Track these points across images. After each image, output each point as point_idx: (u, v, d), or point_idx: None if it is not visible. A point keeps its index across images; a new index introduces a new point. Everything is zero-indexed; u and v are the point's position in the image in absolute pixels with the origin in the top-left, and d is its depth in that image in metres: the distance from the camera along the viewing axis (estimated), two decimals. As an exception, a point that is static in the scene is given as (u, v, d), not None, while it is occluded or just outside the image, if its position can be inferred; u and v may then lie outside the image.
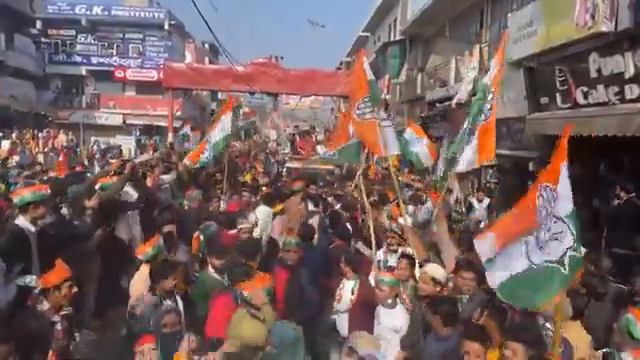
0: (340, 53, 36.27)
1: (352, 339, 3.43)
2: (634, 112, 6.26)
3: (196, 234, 5.20)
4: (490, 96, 5.17)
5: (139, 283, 4.13)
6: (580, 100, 7.50)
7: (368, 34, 27.50)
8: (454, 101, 11.90)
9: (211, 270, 4.42)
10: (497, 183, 10.83)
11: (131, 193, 5.61)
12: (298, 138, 16.38)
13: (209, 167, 9.32)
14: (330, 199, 8.81)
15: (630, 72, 6.45)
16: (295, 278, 4.54)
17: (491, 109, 5.16)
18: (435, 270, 4.17)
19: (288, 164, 14.60)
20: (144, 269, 4.21)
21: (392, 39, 21.26)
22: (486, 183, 11.38)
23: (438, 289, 4.01)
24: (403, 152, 7.70)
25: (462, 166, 5.42)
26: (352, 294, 4.47)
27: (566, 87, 7.74)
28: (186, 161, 8.44)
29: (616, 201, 6.84)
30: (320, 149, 15.03)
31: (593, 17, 6.53)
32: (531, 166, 9.84)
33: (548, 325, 3.41)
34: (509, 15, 9.86)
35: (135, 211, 5.62)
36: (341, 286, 4.60)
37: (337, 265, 4.76)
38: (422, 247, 4.92)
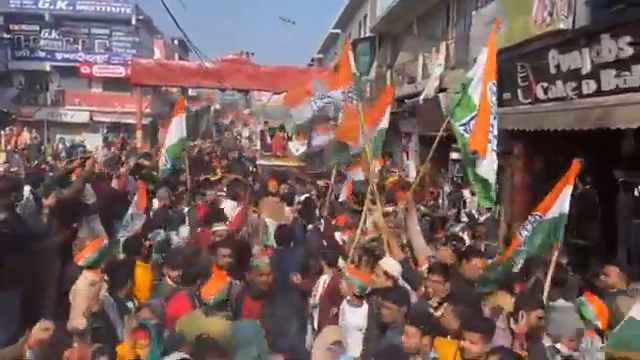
0: (311, 50, 36.26)
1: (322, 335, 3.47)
2: (590, 107, 6.47)
3: (147, 243, 5.16)
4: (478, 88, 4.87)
5: (81, 293, 3.83)
6: (540, 95, 7.71)
7: (339, 31, 27.55)
8: (421, 97, 12.06)
9: (169, 281, 4.39)
10: (462, 177, 11.03)
11: (90, 192, 5.50)
12: (268, 135, 16.34)
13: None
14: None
15: (587, 68, 6.66)
16: (270, 312, 3.98)
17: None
18: (388, 264, 4.19)
19: (259, 161, 14.57)
20: (87, 277, 3.92)
21: (362, 36, 21.36)
22: (453, 177, 11.59)
23: (390, 283, 4.03)
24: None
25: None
26: (322, 289, 4.50)
27: (527, 83, 7.93)
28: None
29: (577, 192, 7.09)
30: (292, 146, 15.02)
31: (551, 14, 6.71)
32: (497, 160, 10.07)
33: (558, 346, 3.46)
34: (473, 13, 10.03)
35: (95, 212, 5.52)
36: (318, 281, 4.63)
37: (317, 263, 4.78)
38: (398, 247, 4.86)
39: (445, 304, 3.77)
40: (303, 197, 8.38)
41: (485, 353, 3.00)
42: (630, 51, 5.84)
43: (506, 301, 3.93)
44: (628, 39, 5.85)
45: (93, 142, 18.79)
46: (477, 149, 4.72)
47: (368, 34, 20.33)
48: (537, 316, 3.42)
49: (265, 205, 6.91)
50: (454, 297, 3.80)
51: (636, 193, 6.80)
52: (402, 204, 5.83)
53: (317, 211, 7.46)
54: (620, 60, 6.04)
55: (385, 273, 4.06)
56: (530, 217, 4.03)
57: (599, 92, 6.47)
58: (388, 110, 6.49)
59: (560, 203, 3.85)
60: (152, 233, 5.49)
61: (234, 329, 3.41)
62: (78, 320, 3.59)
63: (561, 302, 3.85)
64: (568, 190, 3.87)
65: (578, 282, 5.06)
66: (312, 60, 34.83)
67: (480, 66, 4.89)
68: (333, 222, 6.61)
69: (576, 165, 3.96)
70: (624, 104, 5.88)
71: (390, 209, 6.35)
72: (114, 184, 6.97)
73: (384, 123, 6.30)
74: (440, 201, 10.84)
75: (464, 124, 4.99)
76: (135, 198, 5.60)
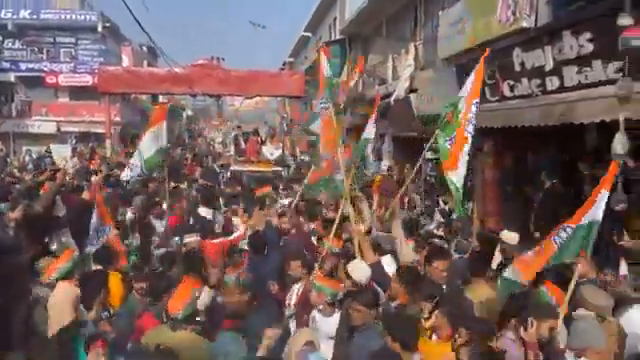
0: (283, 53, 36.25)
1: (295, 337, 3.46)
2: (554, 103, 6.64)
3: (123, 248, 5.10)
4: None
5: (59, 306, 3.75)
6: (507, 93, 7.88)
7: (309, 34, 27.63)
8: (392, 98, 12.18)
9: (136, 295, 4.34)
10: (435, 176, 11.18)
11: (60, 206, 5.39)
12: (242, 140, 16.23)
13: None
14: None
15: (550, 65, 6.84)
16: (249, 324, 3.84)
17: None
18: (355, 268, 4.16)
19: (233, 167, 14.43)
20: (63, 288, 3.87)
21: (332, 39, 21.47)
22: (426, 177, 11.72)
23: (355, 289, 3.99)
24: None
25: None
26: (296, 297, 4.42)
27: (494, 81, 8.10)
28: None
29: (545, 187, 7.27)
30: (266, 150, 14.95)
31: (514, 14, 6.87)
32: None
33: None
34: (440, 13, 10.19)
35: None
36: (291, 291, 4.51)
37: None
38: (371, 252, 4.79)
39: (436, 312, 3.74)
40: (286, 201, 8.34)
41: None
42: (590, 47, 6.03)
43: (483, 291, 4.02)
44: (588, 36, 6.04)
45: (61, 153, 18.32)
46: (449, 167, 5.18)
47: (338, 37, 20.45)
48: (550, 327, 3.26)
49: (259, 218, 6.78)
50: (443, 303, 3.71)
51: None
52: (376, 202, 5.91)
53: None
54: (581, 56, 6.23)
55: (348, 276, 4.08)
56: (564, 228, 3.89)
57: (562, 88, 6.66)
58: (372, 120, 6.61)
59: (594, 210, 3.74)
60: (128, 240, 5.42)
61: (214, 342, 3.39)
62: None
63: (582, 311, 3.61)
64: (604, 196, 3.74)
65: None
66: (284, 64, 34.82)
67: (468, 85, 5.27)
68: (313, 227, 6.61)
69: (614, 167, 3.88)
70: (586, 99, 6.06)
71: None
72: (85, 195, 6.83)
73: (368, 133, 6.59)
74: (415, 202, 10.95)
75: (450, 139, 5.31)
76: (96, 213, 5.37)
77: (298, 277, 4.58)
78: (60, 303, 3.78)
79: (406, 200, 10.29)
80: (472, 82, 5.28)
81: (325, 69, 5.98)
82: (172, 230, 6.28)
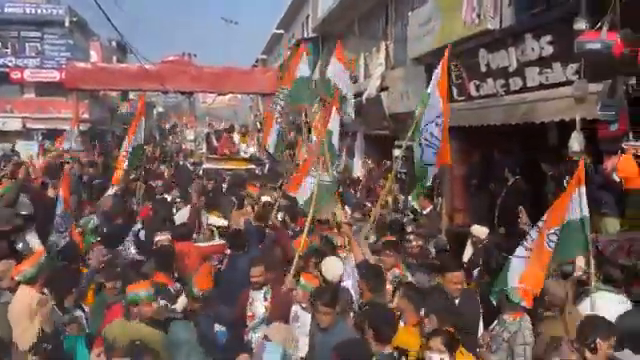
0: (256, 50, 36.06)
1: (267, 330, 3.52)
2: (517, 102, 6.89)
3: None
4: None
5: (21, 309, 3.70)
6: (473, 93, 8.11)
7: (282, 31, 27.60)
8: (364, 96, 12.33)
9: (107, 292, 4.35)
10: (406, 173, 11.38)
11: (26, 203, 5.32)
12: (214, 137, 16.10)
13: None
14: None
15: (513, 66, 7.08)
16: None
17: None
18: (327, 267, 4.23)
19: (205, 165, 14.30)
20: (25, 292, 3.83)
21: (305, 36, 21.52)
22: (397, 174, 11.89)
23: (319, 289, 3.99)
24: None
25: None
26: (265, 301, 4.27)
27: (461, 81, 8.33)
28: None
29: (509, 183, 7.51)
30: (241, 148, 14.89)
31: (479, 16, 7.08)
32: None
33: None
34: (409, 13, 10.37)
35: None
36: (250, 300, 4.31)
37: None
38: (360, 250, 4.78)
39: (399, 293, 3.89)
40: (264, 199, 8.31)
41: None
42: (550, 50, 6.28)
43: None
44: (548, 38, 6.29)
45: (28, 150, 17.86)
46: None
47: (311, 34, 20.51)
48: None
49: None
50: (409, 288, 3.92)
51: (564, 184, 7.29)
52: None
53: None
54: (542, 58, 6.48)
55: (321, 274, 4.16)
56: (552, 232, 3.95)
57: (525, 88, 6.91)
58: (334, 112, 6.82)
59: (575, 207, 3.88)
60: (83, 219, 5.41)
61: (169, 331, 3.46)
62: (22, 340, 3.45)
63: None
64: (582, 191, 3.87)
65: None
66: (256, 61, 34.67)
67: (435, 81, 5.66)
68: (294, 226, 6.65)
69: (582, 164, 4.04)
70: (546, 99, 6.31)
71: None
72: (51, 193, 6.76)
73: (331, 125, 6.82)
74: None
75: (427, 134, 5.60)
76: (60, 196, 5.38)
77: (261, 283, 4.37)
78: (18, 310, 3.70)
79: (390, 199, 10.22)
80: (438, 78, 5.61)
81: (300, 68, 6.08)
82: (145, 226, 6.25)
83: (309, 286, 4.02)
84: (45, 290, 4.04)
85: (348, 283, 4.37)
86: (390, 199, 9.77)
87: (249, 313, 4.28)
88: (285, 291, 4.26)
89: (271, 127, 7.84)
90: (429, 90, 5.69)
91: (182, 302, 4.19)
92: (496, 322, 4.06)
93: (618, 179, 5.11)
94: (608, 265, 4.51)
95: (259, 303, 4.26)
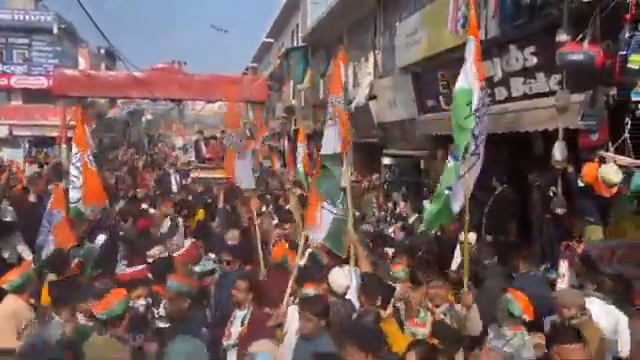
0: (245, 58, 36.14)
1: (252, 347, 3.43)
2: (502, 112, 6.98)
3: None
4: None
5: (3, 318, 3.66)
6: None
7: (272, 40, 27.71)
8: (353, 105, 12.41)
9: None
10: (390, 182, 11.46)
11: (8, 210, 5.28)
12: (203, 144, 16.04)
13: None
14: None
15: (498, 76, 7.19)
16: None
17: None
18: (334, 277, 4.11)
19: (193, 174, 14.20)
20: (10, 301, 3.78)
21: (295, 45, 21.63)
22: (384, 182, 11.96)
23: (333, 298, 3.96)
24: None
25: None
26: (242, 326, 3.99)
27: (447, 90, 8.42)
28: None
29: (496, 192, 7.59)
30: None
31: (464, 27, 7.18)
32: (422, 164, 10.57)
33: None
34: (397, 24, 10.50)
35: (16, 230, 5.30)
36: (231, 318, 4.09)
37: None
38: (367, 260, 4.69)
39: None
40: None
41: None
42: (534, 60, 6.40)
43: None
44: (532, 49, 6.40)
45: (14, 157, 17.68)
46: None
47: (301, 44, 20.63)
48: None
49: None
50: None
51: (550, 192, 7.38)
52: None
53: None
54: (526, 69, 6.59)
55: (329, 287, 4.02)
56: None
57: (509, 98, 7.01)
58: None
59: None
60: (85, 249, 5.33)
61: (176, 350, 3.39)
62: None
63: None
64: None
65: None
66: (246, 69, 34.74)
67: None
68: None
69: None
70: (530, 109, 6.41)
71: None
72: (32, 198, 6.75)
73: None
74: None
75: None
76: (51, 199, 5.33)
77: (240, 301, 4.06)
78: (2, 319, 3.66)
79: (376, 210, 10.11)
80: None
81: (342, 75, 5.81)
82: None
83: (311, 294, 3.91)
84: (32, 300, 4.01)
85: (353, 295, 4.22)
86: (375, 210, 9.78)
87: (226, 331, 4.07)
88: (263, 320, 3.96)
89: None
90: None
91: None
92: (492, 335, 3.91)
93: (583, 184, 5.21)
94: (596, 273, 4.55)
95: (237, 325, 4.02)
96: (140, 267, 4.81)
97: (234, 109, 8.31)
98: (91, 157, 6.39)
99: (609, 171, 4.93)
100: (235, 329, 3.99)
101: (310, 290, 3.93)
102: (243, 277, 4.25)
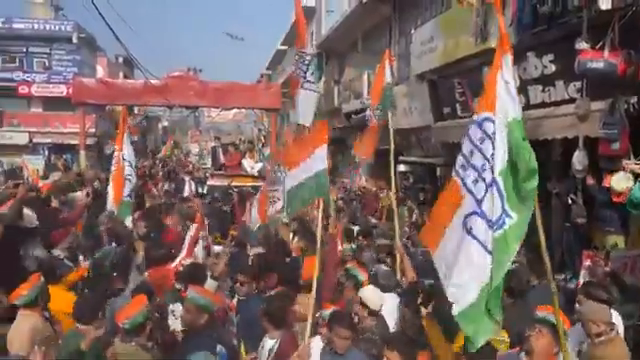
0: (260, 66, 36.45)
1: None
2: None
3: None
4: None
5: (22, 335, 3.55)
6: (476, 110, 8.17)
7: (287, 47, 27.90)
8: (367, 112, 12.40)
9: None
10: (407, 188, 11.41)
11: (31, 216, 5.36)
12: (221, 152, 16.10)
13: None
14: None
15: (516, 84, 7.14)
16: None
17: None
18: (369, 294, 3.98)
19: (210, 182, 14.20)
20: (25, 317, 3.69)
21: (310, 52, 21.72)
22: (403, 188, 11.92)
23: (369, 318, 3.86)
24: None
25: None
26: (268, 356, 3.73)
27: (464, 98, 8.40)
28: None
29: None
30: (246, 163, 14.84)
31: (482, 34, 7.18)
32: (438, 171, 10.53)
33: None
34: (412, 31, 10.50)
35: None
36: (261, 345, 3.83)
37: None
38: (412, 270, 4.62)
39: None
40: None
41: None
42: (553, 68, 6.36)
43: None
44: (551, 57, 6.37)
45: (34, 164, 18.03)
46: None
47: (315, 51, 20.74)
48: None
49: None
50: None
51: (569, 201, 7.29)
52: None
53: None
54: (545, 76, 6.55)
55: (363, 304, 3.89)
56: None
57: (528, 106, 6.97)
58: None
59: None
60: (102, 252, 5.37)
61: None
62: None
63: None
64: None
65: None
66: (261, 76, 35.02)
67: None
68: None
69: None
70: (549, 117, 6.37)
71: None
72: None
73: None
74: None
75: None
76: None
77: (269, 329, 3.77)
78: (19, 339, 3.56)
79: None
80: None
81: (386, 74, 5.68)
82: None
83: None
84: (46, 313, 3.92)
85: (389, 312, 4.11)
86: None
87: (253, 355, 3.85)
88: (292, 347, 3.71)
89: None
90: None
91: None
92: None
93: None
94: (618, 283, 4.46)
95: (265, 353, 3.77)
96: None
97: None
98: (125, 157, 6.93)
99: (619, 177, 4.88)
100: (262, 357, 3.78)
101: (329, 311, 3.70)
102: (267, 310, 3.87)
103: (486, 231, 2.58)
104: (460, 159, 2.80)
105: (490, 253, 2.55)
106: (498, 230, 2.55)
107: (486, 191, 2.61)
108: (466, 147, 2.81)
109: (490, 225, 2.57)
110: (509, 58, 2.78)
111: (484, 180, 2.63)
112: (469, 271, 2.59)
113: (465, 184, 2.71)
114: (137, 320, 3.44)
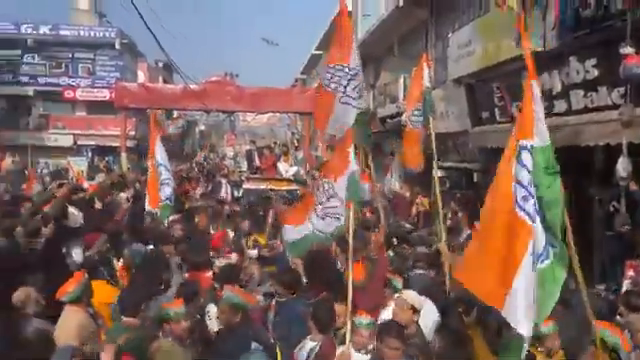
0: (295, 70, 36.74)
1: None
2: (561, 125, 6.80)
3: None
4: None
5: (69, 331, 3.68)
6: (515, 114, 8.04)
7: (322, 52, 28.04)
8: (404, 116, 12.35)
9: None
10: (444, 194, 11.25)
11: (77, 215, 5.60)
12: (256, 155, 16.28)
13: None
14: None
15: (557, 89, 7.02)
16: None
17: None
18: (412, 294, 3.91)
19: (245, 185, 14.36)
20: (71, 313, 3.84)
21: (354, 67, 21.74)
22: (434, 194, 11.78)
23: (415, 318, 3.79)
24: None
25: None
26: (307, 357, 3.67)
27: (503, 103, 8.29)
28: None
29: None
30: (281, 166, 14.98)
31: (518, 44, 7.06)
32: (475, 177, 10.40)
33: None
34: (449, 35, 10.43)
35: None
36: (300, 345, 3.79)
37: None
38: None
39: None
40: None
41: None
42: (595, 73, 6.22)
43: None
44: (593, 62, 6.23)
45: (78, 166, 18.76)
46: None
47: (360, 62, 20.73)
48: None
49: None
50: None
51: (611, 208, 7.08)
52: None
53: None
54: (587, 81, 6.41)
55: (411, 307, 3.77)
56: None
57: (569, 111, 6.83)
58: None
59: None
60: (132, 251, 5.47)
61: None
62: None
63: None
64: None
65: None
66: (295, 81, 35.29)
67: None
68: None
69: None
70: (592, 123, 6.22)
71: None
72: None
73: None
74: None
75: None
76: None
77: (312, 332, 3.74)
78: (66, 334, 3.64)
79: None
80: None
81: (425, 78, 5.64)
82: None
83: (365, 322, 3.64)
84: (90, 310, 4.08)
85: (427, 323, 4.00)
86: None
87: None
88: (331, 352, 3.68)
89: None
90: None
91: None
92: None
93: None
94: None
95: (304, 354, 3.75)
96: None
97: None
98: (159, 161, 7.06)
99: None
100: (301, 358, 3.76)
101: (364, 319, 3.66)
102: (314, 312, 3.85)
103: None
104: (520, 190, 2.67)
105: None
106: (546, 261, 2.55)
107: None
108: (522, 175, 2.69)
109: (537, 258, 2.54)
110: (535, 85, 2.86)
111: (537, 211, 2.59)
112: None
113: (529, 214, 2.61)
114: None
